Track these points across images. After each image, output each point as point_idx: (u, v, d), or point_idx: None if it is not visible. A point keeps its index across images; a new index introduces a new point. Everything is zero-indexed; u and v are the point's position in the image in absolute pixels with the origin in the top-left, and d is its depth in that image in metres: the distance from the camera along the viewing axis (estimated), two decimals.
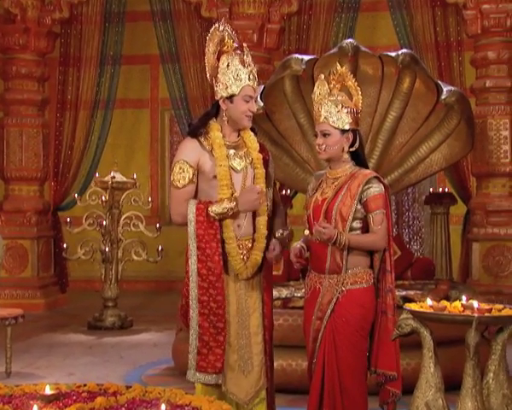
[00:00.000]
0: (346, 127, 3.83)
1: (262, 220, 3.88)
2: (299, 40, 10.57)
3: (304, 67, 7.09)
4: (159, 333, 8.87)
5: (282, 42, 10.50)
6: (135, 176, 9.35)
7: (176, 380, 6.34)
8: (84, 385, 2.66)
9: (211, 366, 3.79)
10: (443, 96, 6.99)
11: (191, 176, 3.87)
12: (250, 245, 3.88)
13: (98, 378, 6.55)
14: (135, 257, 9.21)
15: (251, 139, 3.96)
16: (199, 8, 10.57)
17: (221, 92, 3.87)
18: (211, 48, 3.89)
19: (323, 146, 3.85)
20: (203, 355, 3.80)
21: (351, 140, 3.87)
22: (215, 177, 3.85)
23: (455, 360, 5.43)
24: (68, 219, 9.16)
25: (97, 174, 9.51)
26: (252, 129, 4.01)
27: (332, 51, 7.35)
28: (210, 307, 3.78)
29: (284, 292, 6.18)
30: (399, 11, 10.48)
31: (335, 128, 3.82)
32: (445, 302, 3.34)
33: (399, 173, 7.30)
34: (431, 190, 10.67)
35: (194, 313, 3.81)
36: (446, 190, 10.07)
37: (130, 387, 2.65)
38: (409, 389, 4.36)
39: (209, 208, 3.79)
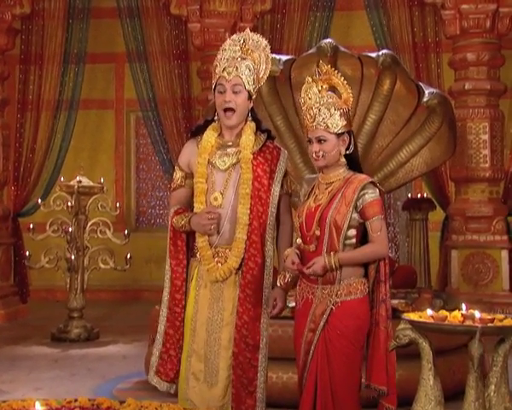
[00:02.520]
0: (342, 130, 3.81)
1: (240, 224, 3.87)
2: (272, 40, 10.56)
3: (281, 67, 7.11)
4: (127, 345, 8.80)
5: None
6: (102, 180, 9.29)
7: (149, 394, 6.26)
8: (75, 400, 2.64)
9: (165, 374, 3.94)
10: (425, 99, 7.06)
11: (179, 180, 4.01)
12: (230, 252, 3.91)
13: (67, 393, 6.47)
14: (102, 265, 9.14)
15: (244, 139, 3.92)
16: (168, 5, 10.55)
17: None
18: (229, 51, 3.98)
19: (320, 153, 3.81)
20: (163, 361, 3.96)
21: (347, 143, 3.85)
22: None
23: (443, 371, 5.52)
24: (31, 226, 9.06)
25: (62, 178, 9.42)
26: (268, 132, 4.02)
27: (310, 51, 7.40)
28: (173, 316, 3.96)
29: None
30: (376, 11, 10.56)
31: (331, 133, 3.80)
32: (444, 312, 3.37)
33: (379, 178, 7.34)
34: (409, 195, 10.76)
35: (162, 318, 3.98)
36: (425, 195, 10.16)
37: (124, 402, 2.64)
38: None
39: (173, 219, 3.93)
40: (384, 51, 7.27)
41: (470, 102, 9.79)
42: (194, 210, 3.91)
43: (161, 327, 3.97)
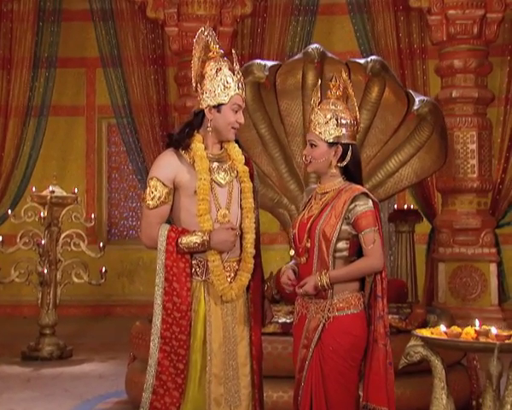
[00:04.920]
0: (331, 140, 3.83)
1: (249, 239, 3.87)
2: (252, 44, 10.63)
3: (266, 73, 7.12)
4: (103, 363, 8.72)
5: (234, 46, 10.51)
6: (76, 190, 9.22)
7: None
8: None
9: (165, 408, 3.78)
10: (415, 107, 7.08)
11: (163, 196, 3.84)
12: (237, 267, 3.88)
13: None
14: (76, 279, 9.06)
15: (235, 151, 3.97)
16: (144, 8, 10.51)
17: (208, 100, 3.86)
18: (196, 53, 3.89)
19: (309, 157, 3.88)
20: (159, 395, 3.79)
21: (339, 154, 3.86)
22: (196, 192, 3.83)
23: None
24: (0, 238, 8.96)
25: (34, 188, 9.33)
26: (236, 141, 4.02)
27: (296, 57, 7.40)
28: (172, 344, 3.78)
29: None
30: (360, 15, 10.62)
31: (321, 140, 3.84)
32: (456, 328, 3.37)
33: (367, 189, 7.34)
34: (395, 206, 10.80)
35: (154, 349, 3.81)
36: (412, 206, 10.20)
37: None
38: None
39: (179, 239, 3.78)
40: (373, 57, 7.27)
41: (457, 110, 9.84)
42: (201, 229, 3.77)
43: (153, 359, 3.79)
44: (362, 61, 7.17)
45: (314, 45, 7.20)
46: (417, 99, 7.15)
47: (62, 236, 9.01)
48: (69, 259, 9.14)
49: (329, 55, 7.18)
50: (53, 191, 8.91)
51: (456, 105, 9.86)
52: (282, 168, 7.48)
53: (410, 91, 7.37)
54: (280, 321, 5.95)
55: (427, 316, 6.28)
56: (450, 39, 9.89)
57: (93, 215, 9.45)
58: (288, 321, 5.93)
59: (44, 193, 8.97)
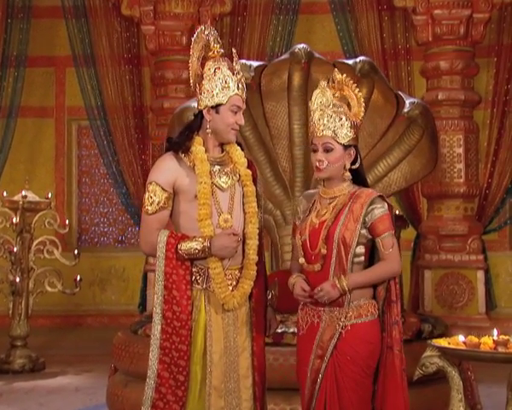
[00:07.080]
0: (350, 143, 3.83)
1: (252, 245, 3.85)
2: (232, 44, 10.59)
3: (252, 74, 7.11)
4: (78, 376, 8.65)
5: None
6: (50, 195, 9.14)
7: None
8: None
9: None
10: (405, 109, 7.11)
11: (163, 202, 3.82)
12: (239, 274, 3.86)
13: None
14: (49, 288, 8.97)
15: (238, 154, 3.95)
16: (118, 6, 10.50)
17: (206, 101, 3.85)
18: (195, 52, 3.88)
19: (325, 163, 3.82)
20: (158, 409, 3.76)
21: (353, 157, 3.87)
22: (197, 196, 3.81)
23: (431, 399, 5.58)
24: None
25: (5, 193, 9.22)
26: (238, 143, 4.00)
27: (283, 57, 7.40)
28: (172, 355, 3.75)
29: None
30: (343, 15, 10.65)
31: (339, 143, 3.82)
32: (473, 338, 3.38)
33: None
34: None
35: (153, 360, 3.77)
36: (397, 212, 10.26)
37: None
38: None
39: (179, 245, 3.75)
40: (361, 58, 7.28)
41: (443, 113, 9.92)
42: (201, 234, 3.75)
43: (152, 370, 3.76)
44: (350, 61, 7.17)
45: (301, 45, 7.18)
46: (408, 101, 7.17)
47: (35, 243, 8.91)
48: (41, 267, 9.05)
49: (317, 55, 7.17)
50: (25, 196, 8.82)
51: (442, 108, 9.93)
52: (266, 172, 7.46)
53: (400, 93, 7.41)
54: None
55: (422, 325, 6.29)
56: (436, 40, 9.98)
57: (67, 221, 9.37)
58: (278, 331, 5.91)
59: (16, 198, 8.87)
